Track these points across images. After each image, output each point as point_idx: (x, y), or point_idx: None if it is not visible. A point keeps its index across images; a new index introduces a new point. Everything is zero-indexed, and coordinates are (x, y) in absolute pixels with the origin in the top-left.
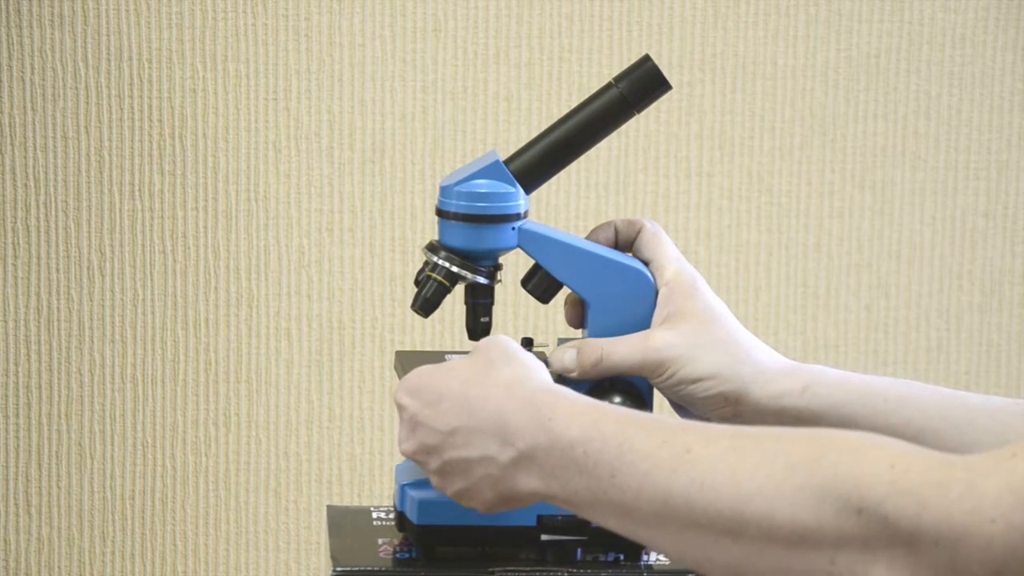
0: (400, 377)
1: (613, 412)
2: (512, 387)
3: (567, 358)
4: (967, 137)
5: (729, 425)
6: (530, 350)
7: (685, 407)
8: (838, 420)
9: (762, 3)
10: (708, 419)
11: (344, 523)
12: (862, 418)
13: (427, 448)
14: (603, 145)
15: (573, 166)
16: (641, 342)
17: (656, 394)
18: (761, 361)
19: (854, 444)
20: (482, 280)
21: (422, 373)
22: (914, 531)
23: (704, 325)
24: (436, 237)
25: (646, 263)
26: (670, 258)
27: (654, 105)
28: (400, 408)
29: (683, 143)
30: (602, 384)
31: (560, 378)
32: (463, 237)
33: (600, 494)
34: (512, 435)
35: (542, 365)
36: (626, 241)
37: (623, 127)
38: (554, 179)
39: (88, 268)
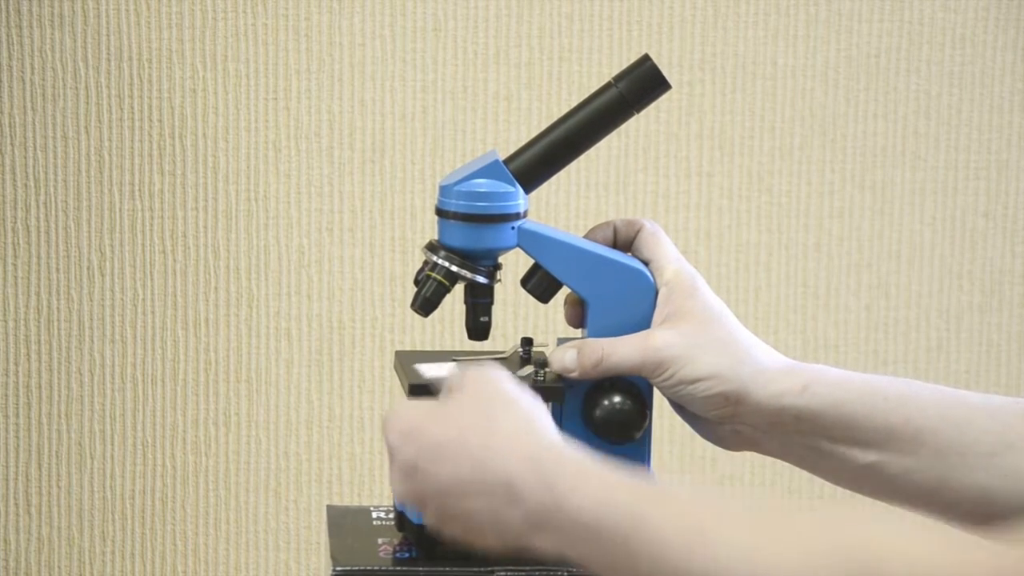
0: (400, 377)
1: (625, 481)
2: (516, 439)
3: (567, 358)
4: (967, 137)
5: (743, 494)
6: (530, 350)
7: (684, 406)
8: (837, 419)
9: (762, 3)
10: (707, 418)
11: (344, 523)
12: (862, 417)
13: (424, 496)
14: (603, 145)
15: (573, 166)
16: (641, 342)
17: (656, 394)
18: (761, 361)
19: (868, 517)
20: (482, 280)
21: (413, 414)
22: None
23: (704, 325)
24: (436, 237)
25: (645, 263)
26: (669, 258)
27: (654, 105)
28: (392, 449)
29: (683, 143)
30: (602, 384)
31: (560, 378)
32: (463, 236)
33: (617, 560)
34: (518, 494)
35: (542, 406)
36: (625, 241)
37: (623, 127)
38: (554, 179)
39: (88, 268)
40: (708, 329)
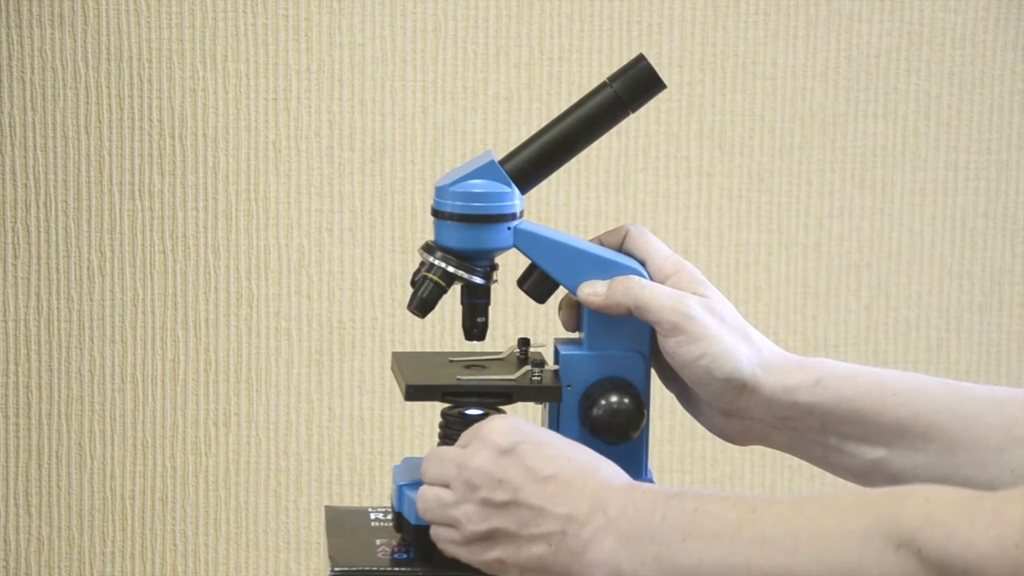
0: (397, 379)
1: (687, 490)
2: (603, 472)
3: (598, 285)
4: (967, 137)
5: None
6: (527, 350)
7: (698, 390)
8: (848, 414)
9: (762, 3)
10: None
11: (342, 523)
12: (872, 412)
13: (503, 483)
14: (603, 145)
15: (572, 166)
16: (677, 293)
17: (655, 395)
18: (772, 354)
19: (902, 490)
20: (478, 280)
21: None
22: (943, 561)
23: (719, 312)
24: (432, 238)
25: (641, 263)
26: (666, 255)
27: (654, 105)
28: (497, 433)
29: (683, 143)
30: (602, 383)
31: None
32: (459, 237)
33: (666, 561)
34: (606, 502)
35: (581, 445)
36: (614, 248)
37: (623, 127)
38: (553, 179)
39: (88, 268)
40: (727, 315)
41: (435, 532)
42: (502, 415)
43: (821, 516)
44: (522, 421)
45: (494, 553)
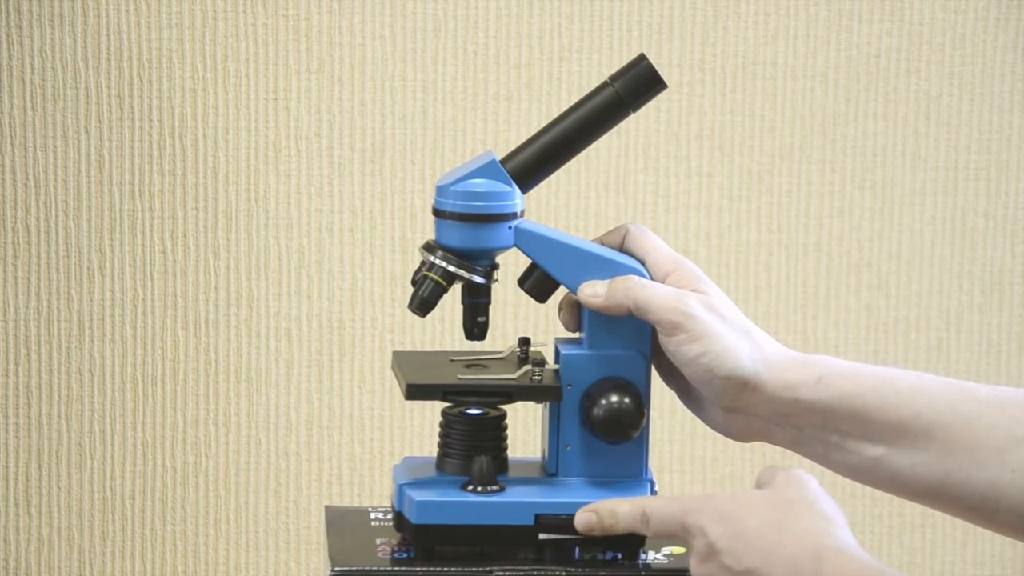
0: (398, 378)
1: (876, 574)
2: (807, 538)
3: (599, 285)
4: (967, 137)
5: None
6: (527, 350)
7: (700, 388)
8: (849, 412)
9: (762, 3)
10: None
11: (342, 523)
12: (874, 410)
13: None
14: (603, 145)
15: (573, 166)
16: (678, 292)
17: (655, 395)
18: (774, 351)
19: None
20: (479, 280)
21: (726, 500)
22: None
23: (720, 310)
24: (433, 237)
25: (641, 263)
26: (665, 253)
27: (654, 105)
28: (700, 531)
29: (683, 143)
30: (602, 382)
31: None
32: (459, 236)
33: None
34: None
35: (842, 516)
36: (614, 248)
37: (623, 127)
38: (553, 179)
39: (88, 268)
40: (728, 313)
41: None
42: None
43: None
44: (727, 503)
45: None
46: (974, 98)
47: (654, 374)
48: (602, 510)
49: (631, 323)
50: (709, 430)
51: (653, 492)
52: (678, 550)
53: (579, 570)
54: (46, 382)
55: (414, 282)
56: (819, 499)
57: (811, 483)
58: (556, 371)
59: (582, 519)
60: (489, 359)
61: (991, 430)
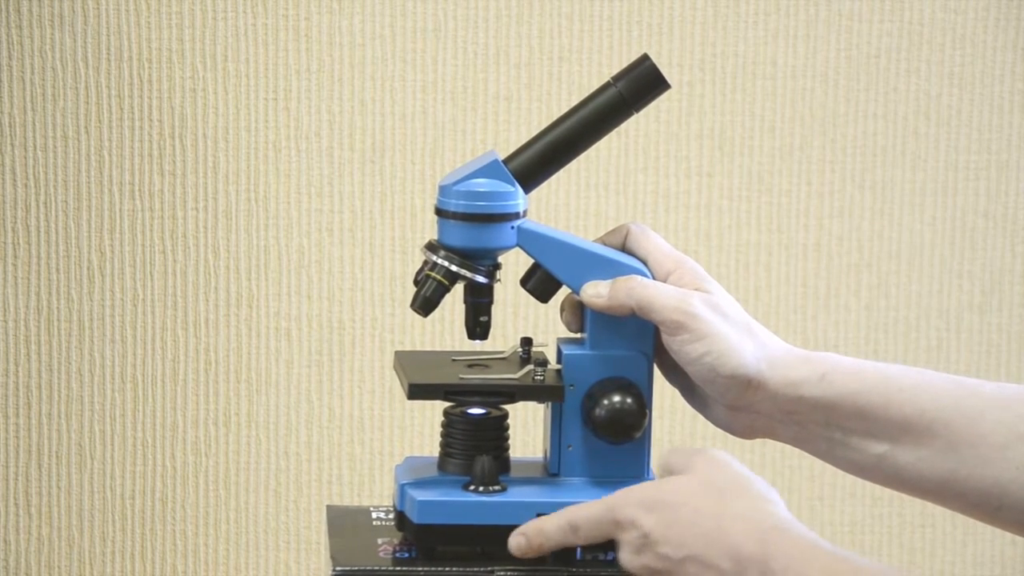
0: (400, 378)
1: (824, 555)
2: (748, 521)
3: (601, 286)
4: (967, 137)
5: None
6: (529, 350)
7: (703, 386)
8: (853, 409)
9: (762, 3)
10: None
11: (344, 523)
12: (877, 407)
13: (653, 571)
14: (603, 145)
15: (573, 166)
16: (680, 291)
17: (656, 394)
18: (777, 349)
19: None
20: (481, 279)
21: (649, 488)
22: None
23: (723, 308)
24: (435, 237)
25: (643, 262)
26: (666, 252)
27: (654, 105)
28: (631, 523)
29: (683, 143)
30: (604, 382)
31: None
32: (462, 236)
33: None
34: (743, 571)
35: (775, 492)
36: (616, 248)
37: (623, 127)
38: (554, 179)
39: (88, 268)
40: (730, 311)
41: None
42: (629, 505)
43: None
44: (652, 490)
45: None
46: (974, 98)
47: (656, 373)
48: (529, 531)
49: (633, 323)
50: (710, 430)
51: None
52: None
53: (580, 570)
54: (46, 382)
55: (416, 282)
56: (750, 480)
57: (735, 464)
58: (558, 371)
59: (514, 544)
60: (491, 359)
61: (994, 427)
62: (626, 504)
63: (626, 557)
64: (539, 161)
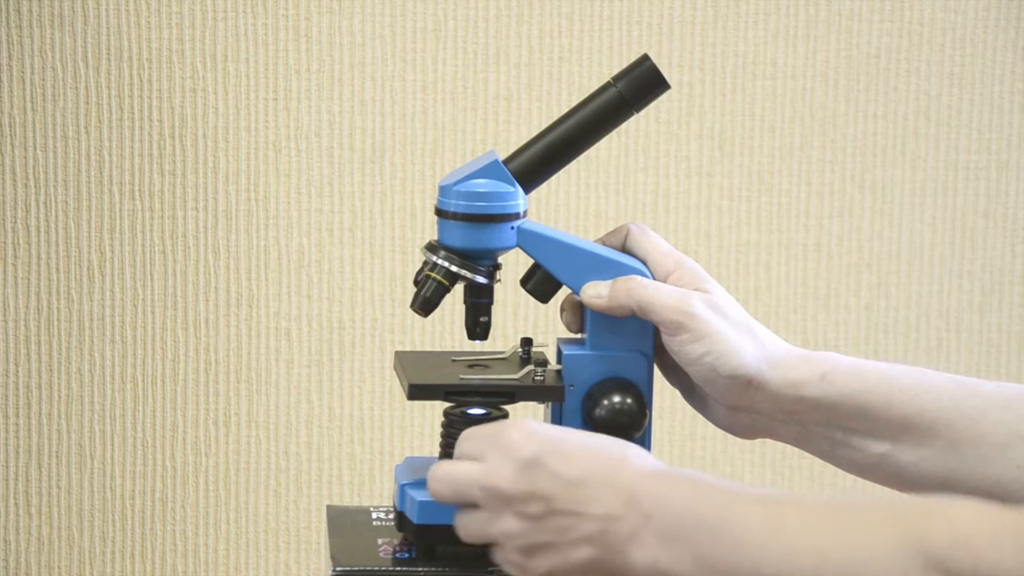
0: (400, 378)
1: (717, 482)
2: (613, 485)
3: (600, 286)
4: (967, 137)
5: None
6: (529, 350)
7: (704, 387)
8: (854, 409)
9: (762, 3)
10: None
11: (344, 523)
12: (878, 407)
13: (534, 496)
14: (603, 145)
15: (573, 166)
16: (680, 291)
17: (656, 394)
18: (777, 349)
19: (927, 506)
20: (481, 280)
21: (535, 423)
22: None
23: (723, 309)
24: (435, 237)
25: (643, 262)
26: (666, 253)
27: (654, 105)
28: (516, 445)
29: (683, 143)
30: (604, 383)
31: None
32: (462, 236)
33: (703, 563)
34: (639, 496)
35: (599, 436)
36: (616, 248)
37: (623, 127)
38: (554, 179)
39: (88, 268)
40: (731, 311)
41: (494, 555)
42: (515, 424)
43: (849, 530)
44: (536, 425)
45: (544, 564)
46: (974, 98)
47: (656, 373)
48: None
49: (633, 323)
50: (709, 430)
51: None
52: None
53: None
54: (46, 382)
55: (416, 282)
56: (584, 438)
57: (549, 428)
58: (558, 371)
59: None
60: (491, 359)
61: (995, 426)
62: (511, 426)
63: (509, 476)
64: (539, 161)
